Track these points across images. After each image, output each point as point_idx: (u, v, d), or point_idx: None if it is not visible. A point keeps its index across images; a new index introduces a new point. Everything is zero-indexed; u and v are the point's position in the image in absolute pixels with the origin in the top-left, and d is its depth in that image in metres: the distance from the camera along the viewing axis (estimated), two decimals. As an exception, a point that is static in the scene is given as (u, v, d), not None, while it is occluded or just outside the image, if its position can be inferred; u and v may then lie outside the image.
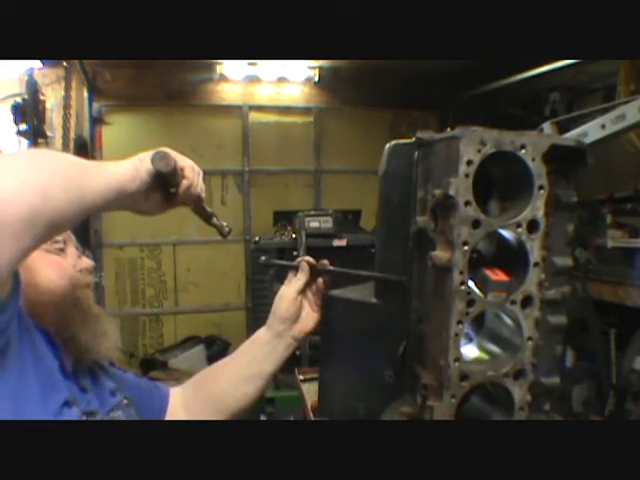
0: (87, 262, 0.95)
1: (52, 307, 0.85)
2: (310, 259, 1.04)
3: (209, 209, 1.00)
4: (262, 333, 1.07)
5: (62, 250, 0.90)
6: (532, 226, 0.76)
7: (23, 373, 0.74)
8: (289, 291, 1.03)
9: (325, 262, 1.04)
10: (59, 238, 0.90)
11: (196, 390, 1.10)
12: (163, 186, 0.85)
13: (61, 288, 0.87)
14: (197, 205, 0.96)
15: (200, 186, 0.91)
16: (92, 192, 0.72)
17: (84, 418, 0.81)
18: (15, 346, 0.72)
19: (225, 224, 1.03)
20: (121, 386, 0.98)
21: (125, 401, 0.95)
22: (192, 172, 0.88)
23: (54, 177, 0.67)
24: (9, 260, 0.61)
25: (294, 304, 1.03)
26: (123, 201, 0.80)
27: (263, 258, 1.18)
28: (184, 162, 0.87)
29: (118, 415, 0.91)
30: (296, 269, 1.04)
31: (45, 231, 0.65)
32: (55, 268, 0.87)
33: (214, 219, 1.01)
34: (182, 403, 1.09)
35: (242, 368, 1.07)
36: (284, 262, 1.17)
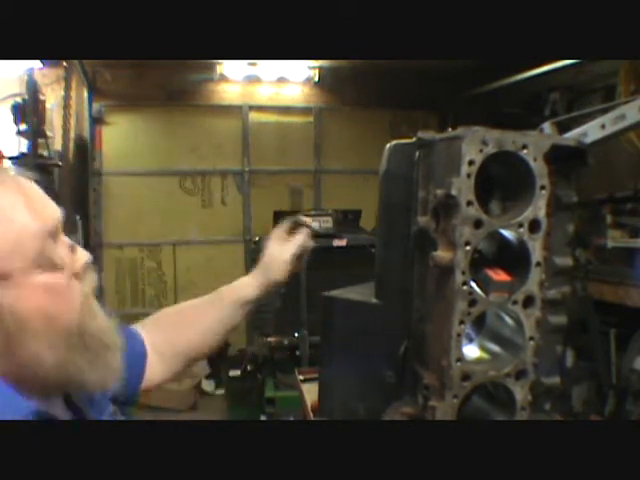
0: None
1: None
2: (306, 219, 1.05)
3: None
4: (249, 293, 1.02)
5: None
6: (534, 226, 0.76)
7: None
8: (287, 254, 1.02)
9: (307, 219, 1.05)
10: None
11: (165, 333, 1.01)
12: None
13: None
14: None
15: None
16: None
17: None
18: None
19: None
20: None
21: None
22: None
23: None
24: None
25: (287, 268, 1.02)
26: None
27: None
28: None
29: None
30: (298, 226, 1.04)
31: None
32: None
33: None
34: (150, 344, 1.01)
35: (215, 324, 1.01)
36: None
